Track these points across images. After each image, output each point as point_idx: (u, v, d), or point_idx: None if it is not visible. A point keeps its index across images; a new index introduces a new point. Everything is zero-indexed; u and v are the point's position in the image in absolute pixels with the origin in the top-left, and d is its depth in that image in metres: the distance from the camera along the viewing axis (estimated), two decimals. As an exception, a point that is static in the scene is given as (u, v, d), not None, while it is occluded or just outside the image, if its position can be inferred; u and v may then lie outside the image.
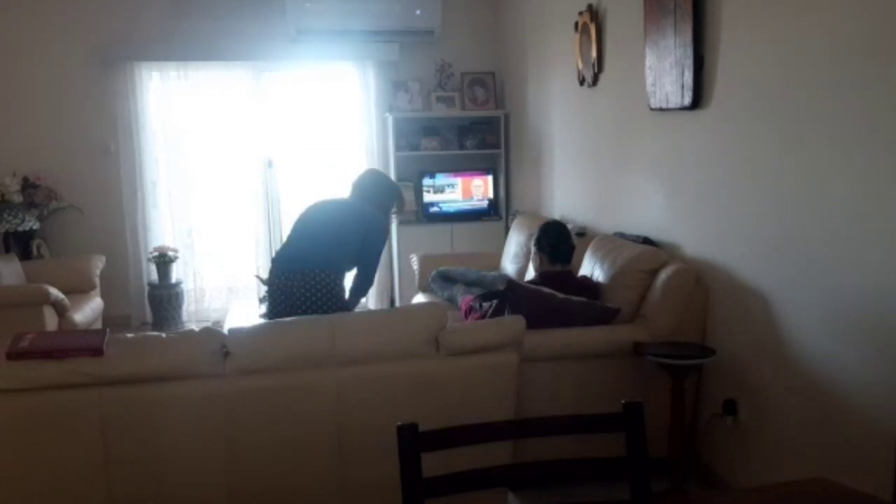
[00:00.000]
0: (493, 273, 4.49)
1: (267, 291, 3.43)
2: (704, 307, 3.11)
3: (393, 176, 5.91)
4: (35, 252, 5.45)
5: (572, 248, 3.55)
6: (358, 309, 3.48)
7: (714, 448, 3.10)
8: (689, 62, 3.04)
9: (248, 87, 6.01)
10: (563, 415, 1.63)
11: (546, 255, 3.52)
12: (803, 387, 2.53)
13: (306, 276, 3.20)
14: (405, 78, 6.07)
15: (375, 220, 3.41)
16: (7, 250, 5.35)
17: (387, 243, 3.88)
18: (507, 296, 3.24)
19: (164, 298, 5.69)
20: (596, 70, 4.14)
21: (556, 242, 3.51)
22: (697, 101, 3.05)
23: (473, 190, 6.09)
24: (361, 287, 3.45)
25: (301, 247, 3.32)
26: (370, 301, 6.19)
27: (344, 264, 3.35)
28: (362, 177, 3.58)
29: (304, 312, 3.18)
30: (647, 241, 3.51)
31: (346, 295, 3.35)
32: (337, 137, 6.18)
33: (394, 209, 3.59)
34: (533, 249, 3.61)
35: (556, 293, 3.19)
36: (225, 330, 2.62)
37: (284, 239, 3.46)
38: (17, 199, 5.44)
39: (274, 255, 3.49)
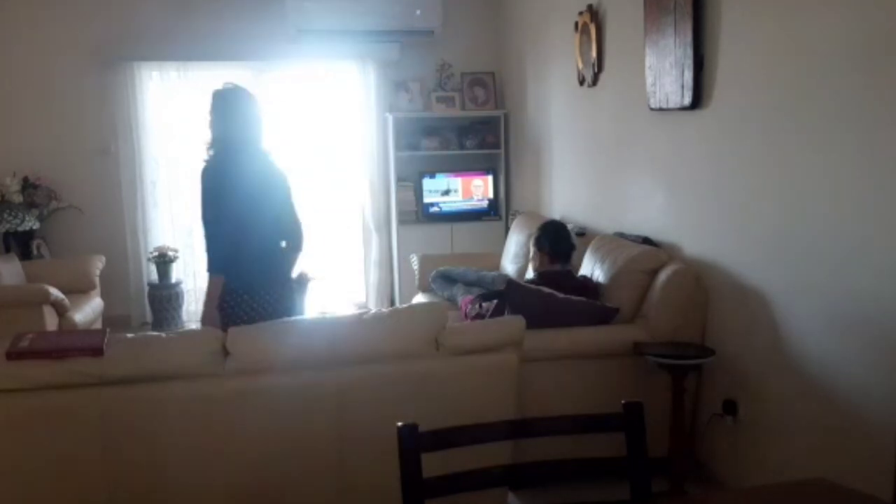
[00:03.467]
0: (493, 273, 4.49)
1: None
2: (704, 307, 3.11)
3: (392, 176, 5.93)
4: (35, 252, 5.44)
5: (573, 246, 3.56)
6: (359, 310, 3.46)
7: (714, 448, 3.09)
8: (689, 62, 3.04)
9: (248, 87, 5.98)
10: (563, 415, 1.63)
11: (546, 255, 3.53)
12: (803, 387, 2.53)
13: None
14: (405, 78, 6.06)
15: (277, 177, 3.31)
16: (7, 250, 5.35)
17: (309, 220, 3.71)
18: (507, 296, 3.24)
19: (164, 298, 5.68)
20: (596, 70, 4.14)
21: (556, 241, 3.53)
22: (697, 101, 3.05)
23: (473, 190, 6.08)
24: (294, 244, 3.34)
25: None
26: (370, 301, 6.20)
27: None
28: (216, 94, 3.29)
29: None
30: (647, 241, 3.51)
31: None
32: (337, 137, 6.18)
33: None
34: (532, 249, 3.63)
35: (556, 293, 3.19)
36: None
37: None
38: (17, 199, 5.43)
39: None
